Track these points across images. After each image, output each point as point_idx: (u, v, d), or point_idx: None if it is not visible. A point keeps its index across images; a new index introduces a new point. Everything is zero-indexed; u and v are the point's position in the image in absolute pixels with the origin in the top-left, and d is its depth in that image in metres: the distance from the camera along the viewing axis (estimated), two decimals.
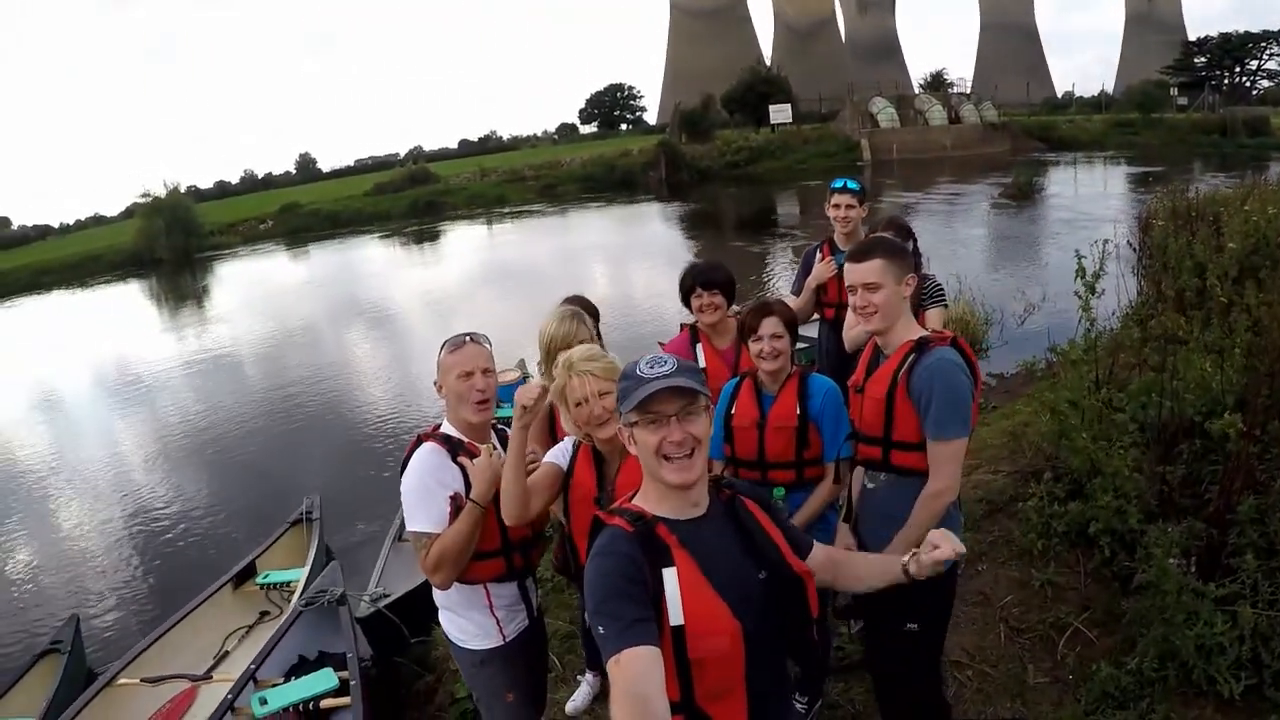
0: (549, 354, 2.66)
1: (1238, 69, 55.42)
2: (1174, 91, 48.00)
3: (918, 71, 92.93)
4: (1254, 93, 54.39)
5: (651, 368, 1.50)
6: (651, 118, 74.81)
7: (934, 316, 3.40)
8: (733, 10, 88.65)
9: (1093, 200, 21.95)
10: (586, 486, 2.20)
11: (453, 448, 2.22)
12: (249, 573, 4.98)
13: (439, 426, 2.30)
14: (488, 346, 2.30)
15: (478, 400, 2.21)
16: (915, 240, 3.54)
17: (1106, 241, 7.99)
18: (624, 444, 2.12)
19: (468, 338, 2.25)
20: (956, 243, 16.66)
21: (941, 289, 3.56)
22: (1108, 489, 3.55)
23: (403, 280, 19.13)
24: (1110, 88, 60.99)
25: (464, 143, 77.32)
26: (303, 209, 34.43)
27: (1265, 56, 55.24)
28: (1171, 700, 2.63)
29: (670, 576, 1.45)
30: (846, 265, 2.33)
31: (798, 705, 1.54)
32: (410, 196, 35.02)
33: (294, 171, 77.07)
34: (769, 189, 30.35)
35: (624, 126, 68.86)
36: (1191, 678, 2.62)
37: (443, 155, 66.77)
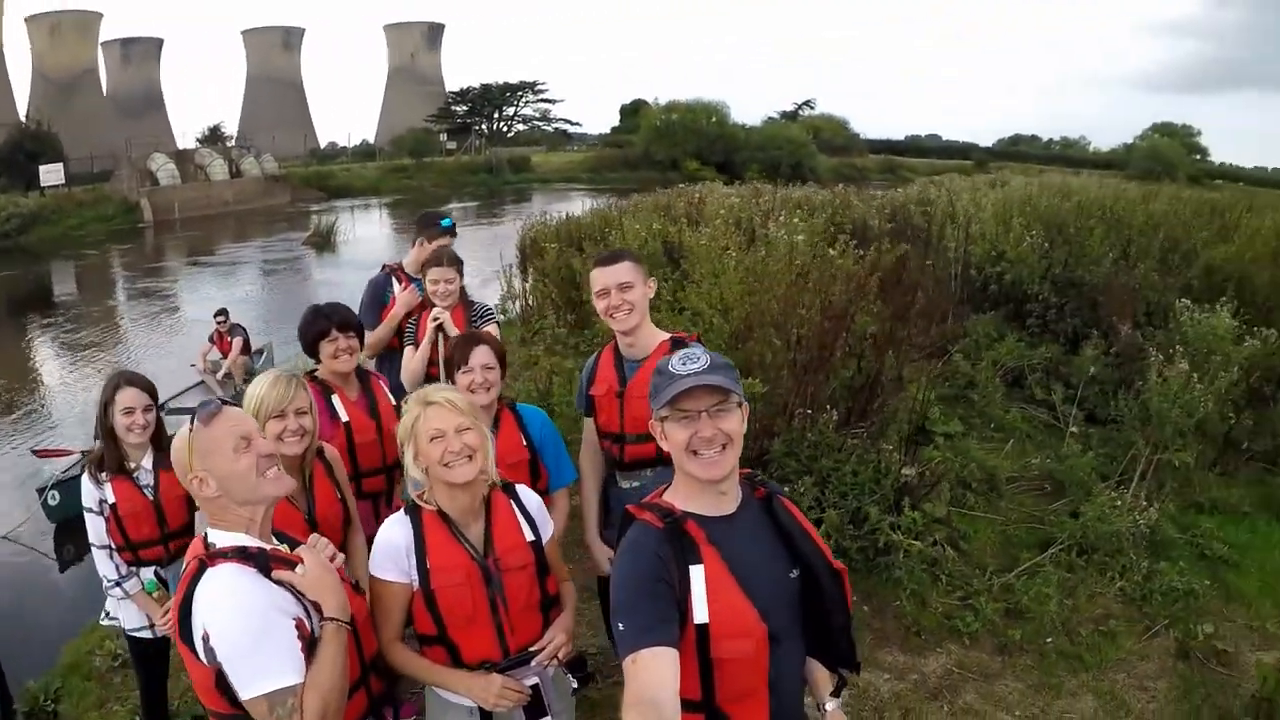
0: (259, 420, 2.16)
1: (497, 115, 64.65)
2: (444, 137, 54.53)
3: (185, 125, 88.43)
4: (508, 134, 64.15)
5: (684, 364, 1.48)
6: None
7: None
8: None
9: (372, 240, 25.12)
10: (460, 567, 1.83)
11: (258, 561, 1.57)
12: None
13: (210, 548, 1.60)
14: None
15: (268, 467, 1.65)
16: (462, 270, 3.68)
17: (510, 265, 9.57)
18: (481, 495, 1.90)
19: (216, 401, 1.70)
20: (282, 291, 17.43)
21: (491, 310, 3.76)
22: None
23: None
24: (373, 137, 65.96)
25: None
26: None
27: (520, 103, 65.53)
28: None
29: (697, 574, 1.43)
30: (598, 270, 2.50)
31: (829, 705, 1.58)
32: None
33: None
34: (45, 261, 25.30)
35: None
36: None
37: None
